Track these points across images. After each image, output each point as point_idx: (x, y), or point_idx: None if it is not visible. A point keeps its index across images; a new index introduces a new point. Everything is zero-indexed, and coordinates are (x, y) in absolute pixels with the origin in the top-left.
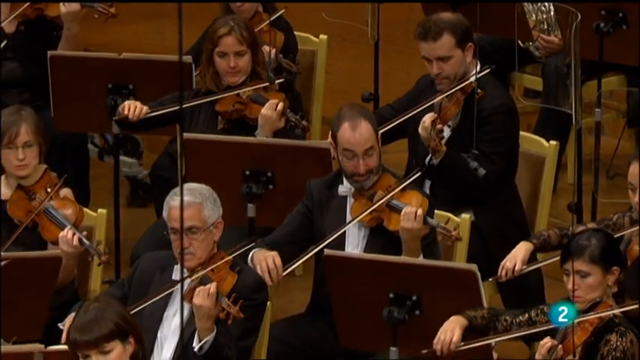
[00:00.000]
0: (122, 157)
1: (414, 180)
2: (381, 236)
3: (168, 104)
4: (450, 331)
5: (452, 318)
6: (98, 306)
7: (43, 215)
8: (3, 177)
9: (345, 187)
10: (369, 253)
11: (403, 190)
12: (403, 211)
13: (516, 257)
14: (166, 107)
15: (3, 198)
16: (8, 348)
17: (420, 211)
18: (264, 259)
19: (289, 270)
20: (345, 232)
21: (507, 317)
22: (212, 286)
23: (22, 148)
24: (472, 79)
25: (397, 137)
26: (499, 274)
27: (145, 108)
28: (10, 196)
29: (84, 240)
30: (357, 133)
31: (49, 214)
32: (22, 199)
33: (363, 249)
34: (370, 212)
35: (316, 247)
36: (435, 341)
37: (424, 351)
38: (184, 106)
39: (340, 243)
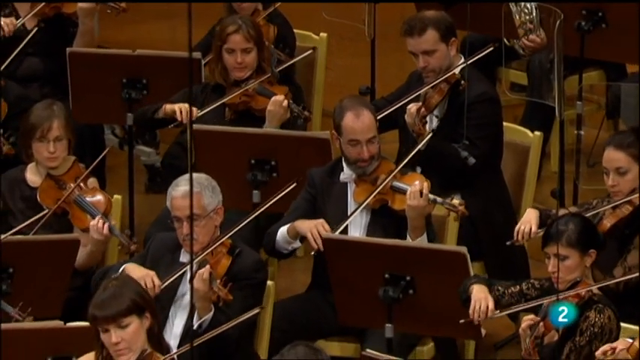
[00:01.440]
0: (141, 147)
1: (409, 165)
2: (382, 217)
3: (177, 101)
4: (484, 299)
5: (478, 288)
6: (116, 284)
7: (74, 204)
8: (32, 165)
9: (346, 174)
10: (371, 233)
11: (404, 173)
12: (409, 189)
13: (530, 221)
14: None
15: (33, 185)
16: (29, 324)
17: (425, 189)
18: (315, 226)
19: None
20: (347, 214)
21: (500, 287)
22: (205, 271)
23: (54, 141)
24: (457, 69)
25: (389, 128)
26: (515, 237)
27: (195, 109)
28: (40, 184)
29: (114, 229)
30: (360, 121)
31: (80, 203)
32: (52, 188)
33: (366, 230)
34: (375, 195)
35: (338, 229)
36: (470, 311)
37: (462, 321)
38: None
39: (345, 227)
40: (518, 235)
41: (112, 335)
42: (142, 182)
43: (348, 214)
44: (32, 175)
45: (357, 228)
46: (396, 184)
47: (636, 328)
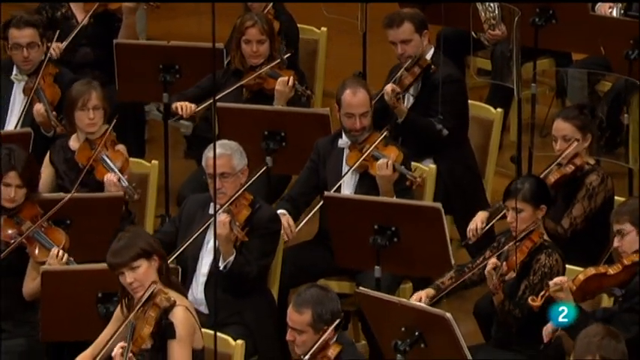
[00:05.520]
0: (180, 121)
1: (394, 137)
2: (368, 180)
3: (205, 84)
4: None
5: (420, 292)
6: (128, 235)
7: (100, 162)
8: (75, 134)
9: (343, 141)
10: (359, 192)
11: (386, 144)
12: (379, 161)
13: (476, 221)
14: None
15: (74, 149)
16: (83, 266)
17: (390, 162)
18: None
19: (300, 226)
20: (341, 174)
21: (470, 265)
22: (223, 217)
23: (93, 110)
24: (427, 57)
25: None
26: (468, 236)
27: (193, 106)
28: (77, 147)
29: (123, 180)
30: (356, 98)
31: (103, 161)
32: (86, 149)
33: (355, 189)
34: (359, 161)
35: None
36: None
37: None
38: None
39: (339, 185)
40: (469, 233)
41: (127, 276)
42: (181, 150)
43: (342, 174)
44: (74, 142)
45: (348, 188)
46: (376, 153)
47: (579, 269)
